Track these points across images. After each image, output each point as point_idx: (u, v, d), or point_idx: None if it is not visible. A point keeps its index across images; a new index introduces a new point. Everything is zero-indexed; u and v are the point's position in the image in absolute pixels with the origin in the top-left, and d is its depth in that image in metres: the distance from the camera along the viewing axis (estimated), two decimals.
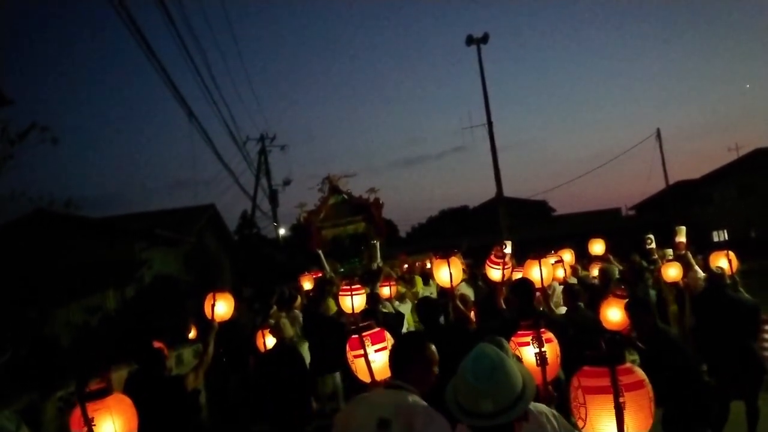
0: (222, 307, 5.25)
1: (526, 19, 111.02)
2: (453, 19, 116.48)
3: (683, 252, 7.70)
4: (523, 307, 4.89)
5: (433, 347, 2.61)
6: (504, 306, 5.37)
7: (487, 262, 5.87)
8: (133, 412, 3.11)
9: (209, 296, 5.23)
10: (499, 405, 1.94)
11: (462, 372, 2.02)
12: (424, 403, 2.40)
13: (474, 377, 1.97)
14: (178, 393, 4.35)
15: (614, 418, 2.04)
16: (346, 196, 13.27)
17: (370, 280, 7.37)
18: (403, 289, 8.94)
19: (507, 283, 5.70)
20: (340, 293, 6.55)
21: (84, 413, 2.81)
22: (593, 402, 2.10)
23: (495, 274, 5.71)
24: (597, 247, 9.09)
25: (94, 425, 2.84)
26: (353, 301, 6.30)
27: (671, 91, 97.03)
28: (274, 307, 8.83)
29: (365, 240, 12.67)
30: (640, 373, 2.16)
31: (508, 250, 9.26)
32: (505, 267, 5.68)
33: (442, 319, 5.49)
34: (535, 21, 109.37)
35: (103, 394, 2.96)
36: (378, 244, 10.74)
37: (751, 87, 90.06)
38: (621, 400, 2.04)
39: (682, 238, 8.10)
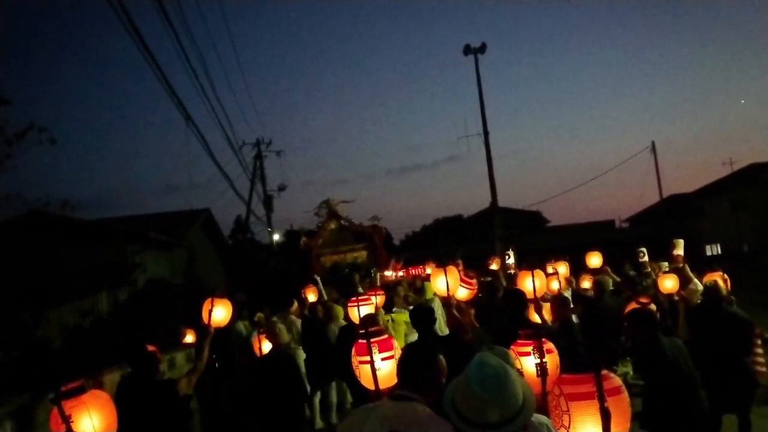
0: (220, 313, 5.20)
1: (524, 29, 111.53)
2: (451, 29, 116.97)
3: (681, 265, 7.68)
4: (515, 317, 4.89)
5: (443, 358, 2.55)
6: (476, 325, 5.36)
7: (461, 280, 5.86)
8: (111, 407, 3.13)
9: (207, 301, 5.17)
10: (505, 414, 1.95)
11: (466, 382, 2.00)
12: (434, 413, 2.34)
13: (480, 386, 1.96)
14: (171, 397, 4.35)
15: (599, 423, 2.04)
16: (345, 223, 13.05)
17: None
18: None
19: (472, 302, 5.73)
20: (349, 305, 6.46)
21: (61, 411, 2.84)
22: (577, 409, 2.09)
23: (462, 293, 5.64)
24: (594, 259, 9.07)
25: (72, 422, 2.88)
26: (360, 312, 6.25)
27: (667, 105, 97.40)
28: (259, 314, 8.79)
29: (365, 269, 12.36)
30: (617, 380, 2.19)
31: (511, 260, 9.23)
32: (472, 287, 5.67)
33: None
34: (533, 32, 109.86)
35: (78, 391, 3.00)
36: (378, 274, 10.62)
37: (745, 102, 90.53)
38: (606, 405, 2.05)
39: (680, 251, 8.06)
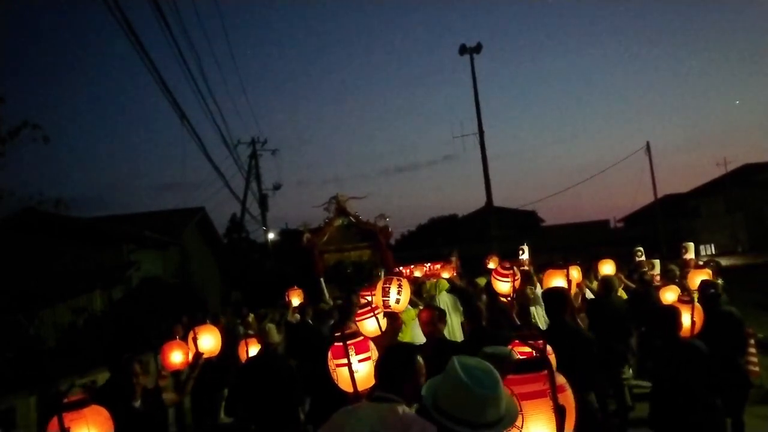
0: (208, 342, 5.06)
1: (520, 30, 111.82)
2: (446, 29, 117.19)
3: (693, 269, 7.61)
4: (554, 318, 4.69)
5: (421, 359, 2.56)
6: (517, 320, 5.27)
7: (494, 273, 5.78)
8: (110, 423, 3.11)
9: (191, 332, 5.06)
10: (501, 412, 1.96)
11: (456, 383, 1.98)
12: (414, 414, 2.35)
13: (480, 386, 1.95)
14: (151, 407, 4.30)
15: (551, 421, 2.04)
16: (353, 219, 12.82)
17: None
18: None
19: (516, 294, 5.64)
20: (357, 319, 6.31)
21: (60, 423, 2.81)
22: (530, 407, 2.08)
23: (503, 286, 5.63)
24: (607, 267, 8.31)
25: None
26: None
27: (662, 106, 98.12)
28: (252, 315, 8.70)
29: (368, 269, 12.14)
30: (562, 377, 2.20)
31: (525, 256, 8.99)
32: (515, 279, 5.61)
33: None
34: (529, 32, 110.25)
35: (80, 405, 2.97)
36: (382, 274, 10.42)
37: (740, 103, 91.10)
38: (559, 401, 2.05)
39: (691, 254, 7.97)
